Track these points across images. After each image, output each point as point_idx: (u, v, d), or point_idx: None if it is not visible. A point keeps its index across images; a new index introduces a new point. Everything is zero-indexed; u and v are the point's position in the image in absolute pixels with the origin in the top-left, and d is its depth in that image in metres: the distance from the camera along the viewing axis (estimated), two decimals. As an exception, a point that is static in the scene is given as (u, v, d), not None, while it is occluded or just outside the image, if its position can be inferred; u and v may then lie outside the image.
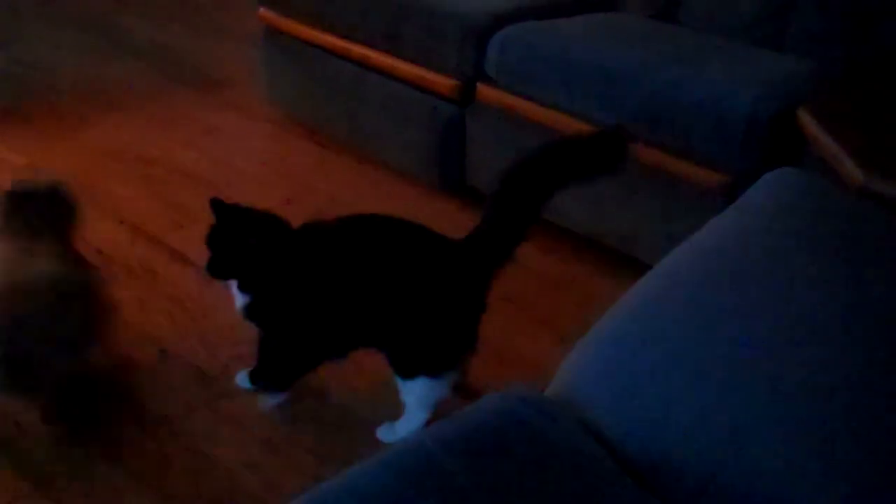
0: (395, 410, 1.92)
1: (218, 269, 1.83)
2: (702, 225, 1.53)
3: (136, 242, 2.60)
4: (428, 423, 1.90)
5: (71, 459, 1.85)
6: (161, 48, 4.01)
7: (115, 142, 3.19)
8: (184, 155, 3.12)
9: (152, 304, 2.35)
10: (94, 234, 2.62)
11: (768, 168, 1.51)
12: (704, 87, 2.29)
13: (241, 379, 2.04)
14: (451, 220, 2.78)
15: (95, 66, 3.81)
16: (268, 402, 2.00)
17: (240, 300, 1.87)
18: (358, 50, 2.93)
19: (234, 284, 1.86)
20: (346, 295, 1.81)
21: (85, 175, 2.95)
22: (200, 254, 2.52)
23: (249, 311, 1.87)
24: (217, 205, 1.80)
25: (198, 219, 2.69)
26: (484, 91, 2.68)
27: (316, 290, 1.82)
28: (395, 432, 1.92)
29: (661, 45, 2.53)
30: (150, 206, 2.80)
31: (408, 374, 1.85)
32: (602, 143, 1.90)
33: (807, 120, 2.12)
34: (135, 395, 2.04)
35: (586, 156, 1.87)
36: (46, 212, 1.96)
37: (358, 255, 1.82)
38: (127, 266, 2.50)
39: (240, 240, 1.80)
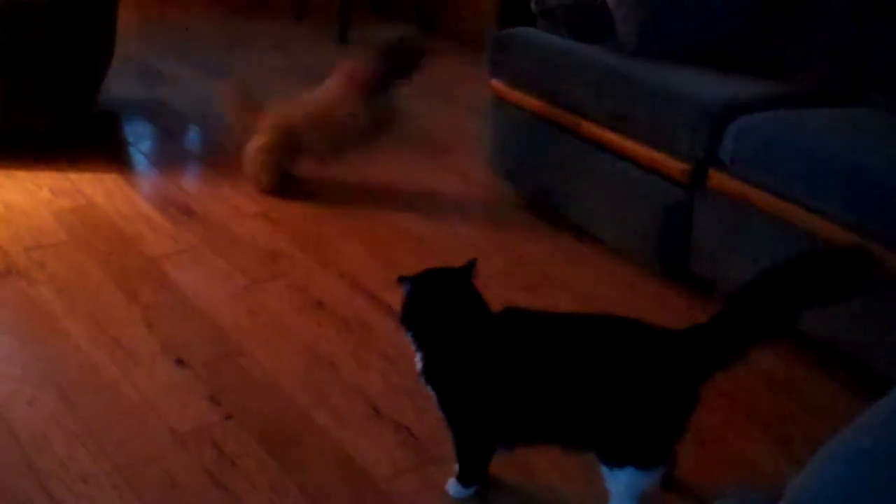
0: (603, 495, 1.85)
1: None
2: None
3: (354, 297, 2.67)
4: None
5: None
6: (389, 110, 4.13)
7: (339, 196, 3.30)
8: (404, 215, 3.19)
9: (366, 359, 2.39)
10: (315, 285, 2.71)
11: None
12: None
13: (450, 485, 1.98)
14: (670, 306, 2.73)
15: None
16: (454, 489, 1.96)
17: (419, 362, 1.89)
18: (587, 126, 2.92)
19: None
20: (542, 379, 1.78)
21: (310, 227, 3.07)
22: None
23: (426, 372, 1.88)
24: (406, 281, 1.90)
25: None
26: (715, 177, 2.60)
27: (510, 371, 1.81)
28: (602, 522, 1.86)
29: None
30: (370, 262, 2.87)
31: (616, 464, 1.79)
32: (846, 262, 1.80)
33: None
34: (344, 448, 2.07)
35: (829, 276, 1.77)
36: None
37: (565, 340, 1.80)
38: (344, 320, 2.56)
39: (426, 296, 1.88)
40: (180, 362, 2.33)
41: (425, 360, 1.87)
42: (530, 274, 2.88)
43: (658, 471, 1.81)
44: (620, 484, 1.81)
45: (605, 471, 1.81)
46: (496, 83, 3.25)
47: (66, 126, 3.52)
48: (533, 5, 3.23)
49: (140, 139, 3.85)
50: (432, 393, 1.89)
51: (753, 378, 2.40)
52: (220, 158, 3.61)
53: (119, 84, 4.07)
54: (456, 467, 1.95)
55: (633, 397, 1.74)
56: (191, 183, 3.42)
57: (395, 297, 2.62)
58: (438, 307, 1.88)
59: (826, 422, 2.22)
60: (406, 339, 1.90)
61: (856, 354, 2.38)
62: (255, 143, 3.25)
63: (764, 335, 1.76)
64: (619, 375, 1.74)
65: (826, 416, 2.26)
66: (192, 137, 3.97)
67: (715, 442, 2.16)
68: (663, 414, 1.76)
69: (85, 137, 3.59)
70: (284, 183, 3.29)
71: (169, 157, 3.67)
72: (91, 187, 3.24)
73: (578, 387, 1.76)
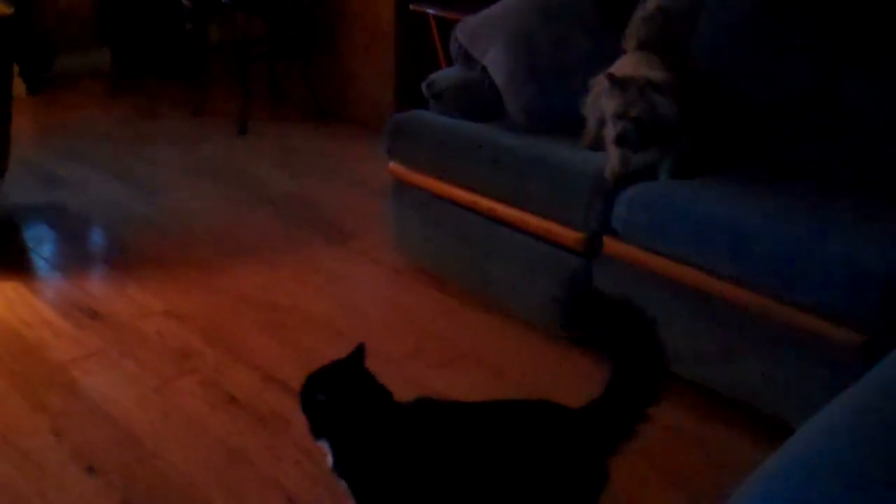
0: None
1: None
2: (839, 384, 1.49)
3: (267, 389, 2.67)
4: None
5: None
6: (294, 198, 4.17)
7: (248, 288, 3.30)
8: (314, 301, 3.21)
9: (281, 451, 2.39)
10: (227, 380, 2.70)
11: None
12: (837, 244, 2.27)
13: None
14: (577, 371, 2.79)
15: (232, 215, 3.98)
16: None
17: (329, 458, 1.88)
18: (486, 203, 3.00)
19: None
20: (451, 470, 1.81)
21: (219, 321, 3.06)
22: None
23: (337, 467, 1.87)
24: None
25: (327, 366, 2.76)
26: (611, 244, 2.70)
27: (417, 463, 1.83)
28: None
29: (790, 201, 2.51)
30: (282, 352, 2.88)
31: None
32: None
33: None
34: (263, 545, 2.06)
35: None
36: None
37: (469, 430, 1.84)
38: (258, 413, 2.55)
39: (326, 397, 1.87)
40: (91, 470, 2.30)
41: (335, 455, 1.87)
42: (443, 350, 2.92)
43: None
44: None
45: None
46: (394, 166, 3.32)
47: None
48: (423, 89, 3.33)
49: (41, 244, 3.80)
50: (346, 487, 1.89)
51: (664, 436, 2.46)
52: (124, 258, 3.59)
53: (17, 190, 4.02)
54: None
55: (546, 480, 1.76)
56: (94, 285, 3.38)
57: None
58: (338, 403, 1.87)
59: (735, 474, 2.27)
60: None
61: (759, 405, 2.46)
62: None
63: (653, 399, 1.82)
64: (531, 459, 1.77)
65: (735, 468, 2.32)
66: (95, 239, 3.94)
67: (631, 502, 2.21)
68: (577, 492, 1.80)
69: (-17, 246, 3.54)
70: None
71: (71, 261, 3.63)
72: (-9, 297, 3.19)
73: (493, 474, 1.78)
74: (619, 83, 2.58)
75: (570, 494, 1.79)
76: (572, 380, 2.73)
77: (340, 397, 1.86)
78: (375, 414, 1.86)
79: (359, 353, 1.91)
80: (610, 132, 2.63)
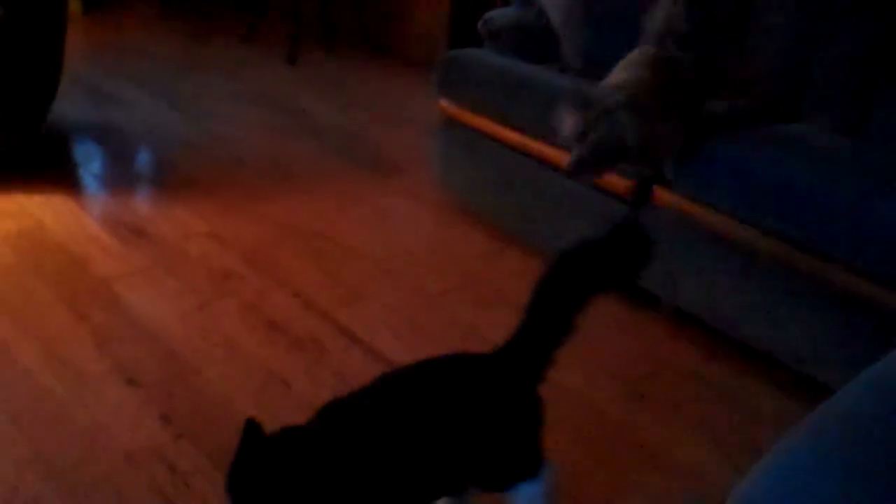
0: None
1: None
2: (884, 348, 1.46)
3: (306, 315, 2.68)
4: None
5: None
6: (341, 130, 4.17)
7: (291, 216, 3.31)
8: (356, 234, 3.22)
9: (317, 376, 2.41)
10: (267, 304, 2.73)
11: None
12: (890, 206, 2.23)
13: None
14: (620, 321, 2.77)
15: (277, 143, 3.99)
16: None
17: None
18: (535, 146, 2.97)
19: None
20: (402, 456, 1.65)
21: (262, 246, 3.08)
22: (366, 331, 2.62)
23: None
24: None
25: (365, 296, 2.78)
26: (660, 194, 2.67)
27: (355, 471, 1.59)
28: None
29: (845, 160, 2.46)
30: (322, 280, 2.89)
31: (504, 488, 1.79)
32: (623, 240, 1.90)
33: None
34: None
35: (613, 259, 1.88)
36: None
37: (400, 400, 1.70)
38: (297, 337, 2.57)
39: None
40: (131, 382, 2.33)
41: None
42: (483, 292, 2.91)
43: (548, 470, 1.80)
44: (524, 496, 1.81)
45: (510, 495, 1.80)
46: (445, 103, 3.29)
47: (14, 148, 3.49)
48: (480, 27, 3.29)
49: (89, 160, 3.84)
50: None
51: (700, 390, 2.46)
52: (170, 179, 3.62)
53: (68, 106, 4.06)
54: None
55: (484, 425, 1.71)
56: (141, 204, 3.42)
57: (348, 316, 2.67)
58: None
59: (772, 431, 2.27)
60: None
61: (796, 364, 2.44)
62: None
63: (569, 325, 1.86)
64: (461, 412, 1.70)
65: (772, 424, 2.32)
66: (143, 158, 3.96)
67: (664, 454, 2.21)
68: (517, 426, 1.77)
69: (33, 159, 3.57)
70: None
71: (119, 179, 3.66)
72: (40, 209, 3.22)
73: (432, 438, 1.68)
74: (582, 99, 2.52)
75: (510, 425, 1.75)
76: (612, 329, 2.72)
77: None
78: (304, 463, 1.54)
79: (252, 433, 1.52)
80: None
